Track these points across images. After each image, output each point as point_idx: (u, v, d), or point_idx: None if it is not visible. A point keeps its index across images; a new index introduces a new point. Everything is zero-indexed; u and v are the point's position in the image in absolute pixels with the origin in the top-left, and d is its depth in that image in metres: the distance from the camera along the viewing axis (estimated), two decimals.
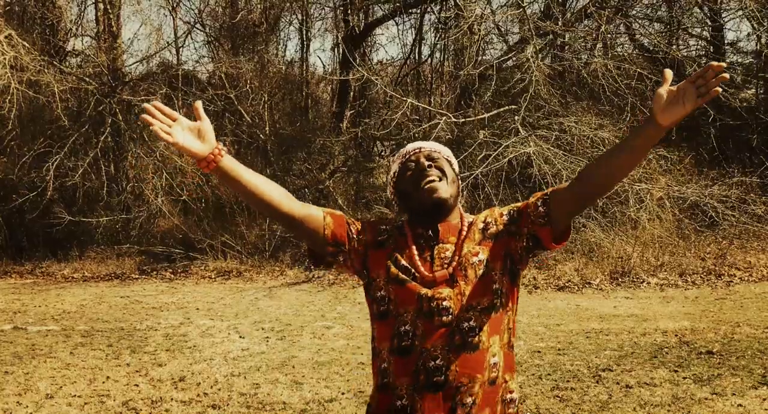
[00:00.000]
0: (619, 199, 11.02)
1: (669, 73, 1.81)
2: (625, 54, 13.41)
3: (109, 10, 15.12)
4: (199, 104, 1.94)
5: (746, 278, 9.68)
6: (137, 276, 12.27)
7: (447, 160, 2.16)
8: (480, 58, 14.28)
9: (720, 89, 1.74)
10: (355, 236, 2.13)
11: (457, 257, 2.05)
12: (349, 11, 15.84)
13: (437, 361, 1.98)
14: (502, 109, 11.78)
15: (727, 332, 6.91)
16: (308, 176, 14.18)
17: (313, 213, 2.10)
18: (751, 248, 10.67)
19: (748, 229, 11.05)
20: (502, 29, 14.60)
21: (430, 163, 2.11)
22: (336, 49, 17.73)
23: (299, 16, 17.74)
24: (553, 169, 10.54)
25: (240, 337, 7.54)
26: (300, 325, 8.02)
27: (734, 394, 5.05)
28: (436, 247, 2.07)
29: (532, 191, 10.83)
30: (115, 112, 14.05)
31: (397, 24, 17.13)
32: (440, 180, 2.08)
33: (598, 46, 12.53)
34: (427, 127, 11.99)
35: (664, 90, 1.79)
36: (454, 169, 2.17)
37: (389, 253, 2.09)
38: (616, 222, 10.95)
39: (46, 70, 13.16)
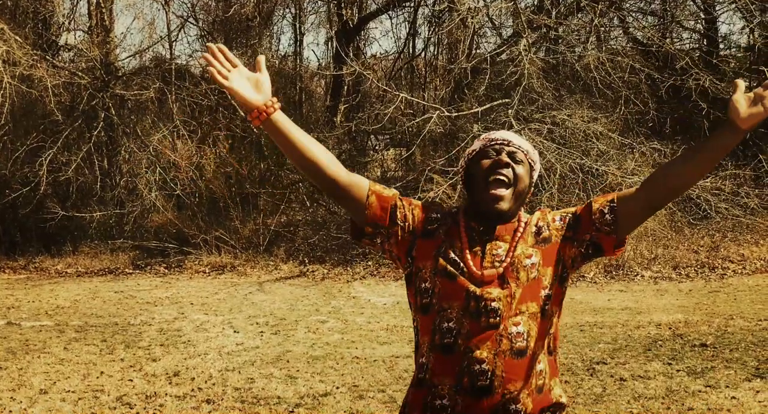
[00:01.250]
0: None
1: (741, 83, 1.80)
2: (619, 47, 13.39)
3: (102, 4, 15.05)
4: (261, 59, 1.93)
5: (739, 271, 9.71)
6: (131, 271, 12.24)
7: (530, 164, 2.04)
8: (473, 51, 14.27)
9: None
10: (400, 222, 2.02)
11: (509, 258, 1.96)
12: (342, 5, 15.81)
13: (483, 365, 1.89)
14: (495, 103, 11.76)
15: (720, 325, 6.94)
16: None
17: (359, 184, 2.01)
18: (744, 241, 10.70)
19: (741, 222, 11.06)
20: (496, 22, 14.58)
21: (509, 162, 1.99)
22: (329, 43, 17.70)
23: (292, 10, 17.73)
24: (546, 162, 10.54)
25: (234, 331, 7.53)
26: (294, 320, 8.03)
27: (728, 387, 5.07)
28: (489, 243, 1.98)
29: None
30: (108, 106, 14.00)
31: (390, 18, 17.16)
32: (508, 187, 1.97)
33: (591, 39, 12.51)
34: (420, 121, 11.99)
35: (740, 97, 1.79)
36: (532, 176, 2.05)
37: (439, 243, 1.99)
38: None
39: (38, 65, 13.10)
